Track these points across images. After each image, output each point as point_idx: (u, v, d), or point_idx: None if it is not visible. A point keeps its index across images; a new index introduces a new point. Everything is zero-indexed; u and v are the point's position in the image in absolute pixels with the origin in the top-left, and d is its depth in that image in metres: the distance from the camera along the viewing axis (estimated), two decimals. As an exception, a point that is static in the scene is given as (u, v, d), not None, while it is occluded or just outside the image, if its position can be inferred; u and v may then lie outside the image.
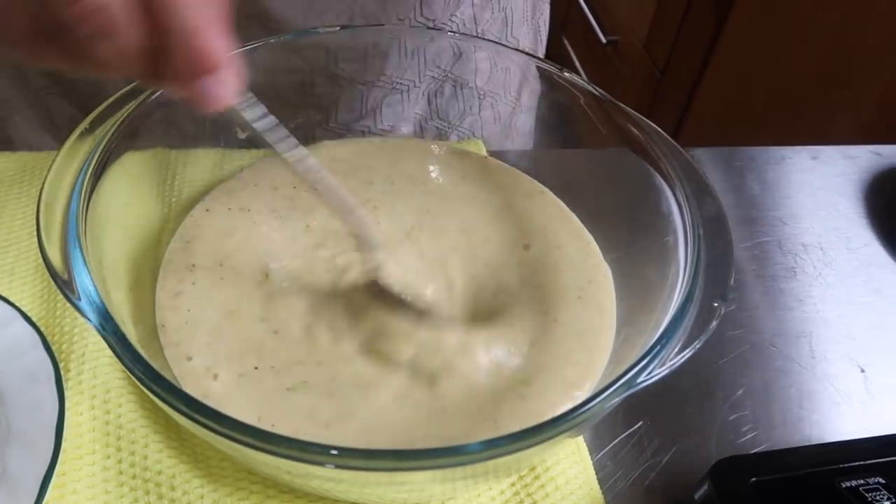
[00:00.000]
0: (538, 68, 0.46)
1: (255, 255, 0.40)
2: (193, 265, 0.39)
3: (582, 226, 0.44)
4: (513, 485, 0.36)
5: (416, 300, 0.38)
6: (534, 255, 0.42)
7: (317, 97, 0.51)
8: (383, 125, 0.54)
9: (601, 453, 0.39)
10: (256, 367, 0.35)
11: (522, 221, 0.44)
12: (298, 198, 0.43)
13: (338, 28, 0.47)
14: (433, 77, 0.52)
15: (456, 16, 0.53)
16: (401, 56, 0.50)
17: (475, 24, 0.55)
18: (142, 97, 0.38)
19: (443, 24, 0.53)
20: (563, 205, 0.45)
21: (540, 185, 0.46)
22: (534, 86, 0.50)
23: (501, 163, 0.48)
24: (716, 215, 0.36)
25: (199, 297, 0.38)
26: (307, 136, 0.51)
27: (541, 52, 0.65)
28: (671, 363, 0.30)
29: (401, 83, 0.52)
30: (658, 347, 0.30)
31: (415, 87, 0.52)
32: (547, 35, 0.65)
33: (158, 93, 0.38)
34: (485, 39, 0.51)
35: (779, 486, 0.33)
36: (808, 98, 1.20)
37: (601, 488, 0.37)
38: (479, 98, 0.55)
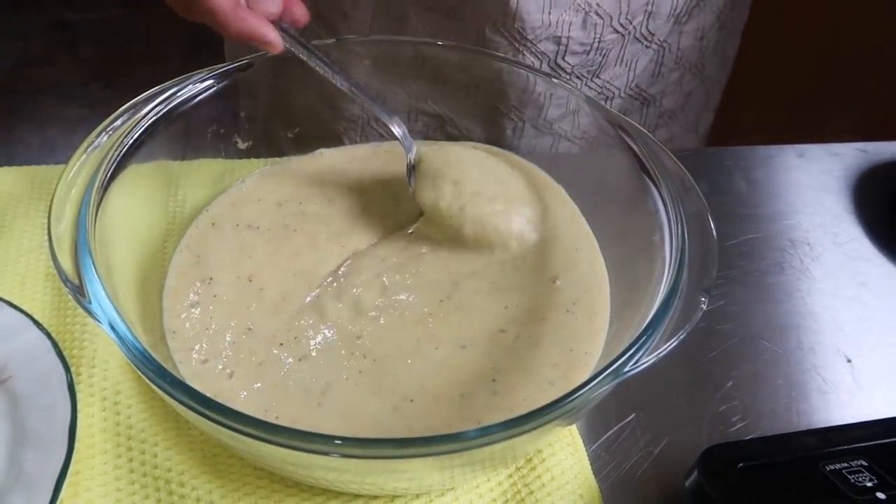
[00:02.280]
0: (529, 73, 0.48)
1: (263, 265, 0.42)
2: (211, 278, 0.41)
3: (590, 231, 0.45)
4: (510, 476, 0.37)
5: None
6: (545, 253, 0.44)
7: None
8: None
9: (595, 444, 0.40)
10: (254, 365, 0.36)
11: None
12: (302, 213, 0.45)
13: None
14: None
15: (668, 40, 0.57)
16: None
17: (679, 49, 0.59)
18: (145, 111, 0.39)
19: (662, 42, 0.56)
20: (575, 207, 0.47)
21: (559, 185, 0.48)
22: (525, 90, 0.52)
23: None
24: (699, 213, 0.38)
25: (211, 306, 0.39)
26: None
27: (724, 81, 0.69)
28: (657, 353, 0.31)
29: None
30: (644, 338, 0.31)
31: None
32: (732, 64, 0.69)
33: (160, 106, 0.40)
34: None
35: (765, 471, 0.34)
36: (798, 98, 1.21)
37: (596, 478, 0.38)
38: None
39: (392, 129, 0.44)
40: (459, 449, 0.28)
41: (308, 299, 0.40)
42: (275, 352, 0.37)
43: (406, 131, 0.44)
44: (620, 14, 0.53)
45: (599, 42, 0.54)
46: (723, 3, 0.60)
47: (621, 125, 0.42)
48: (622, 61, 0.56)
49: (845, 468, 0.34)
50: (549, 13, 0.51)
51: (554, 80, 0.48)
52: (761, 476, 0.34)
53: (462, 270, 0.42)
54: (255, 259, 0.42)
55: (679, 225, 0.36)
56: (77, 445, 0.35)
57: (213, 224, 0.44)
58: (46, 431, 0.35)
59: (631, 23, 0.54)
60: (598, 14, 0.52)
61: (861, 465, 0.34)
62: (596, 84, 0.57)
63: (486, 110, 0.54)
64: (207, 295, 0.40)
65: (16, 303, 0.40)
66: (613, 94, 0.59)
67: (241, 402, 0.35)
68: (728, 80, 0.71)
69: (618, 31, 0.54)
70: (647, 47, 0.56)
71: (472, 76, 0.51)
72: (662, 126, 0.64)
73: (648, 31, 0.55)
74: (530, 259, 0.43)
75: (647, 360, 0.31)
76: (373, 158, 0.50)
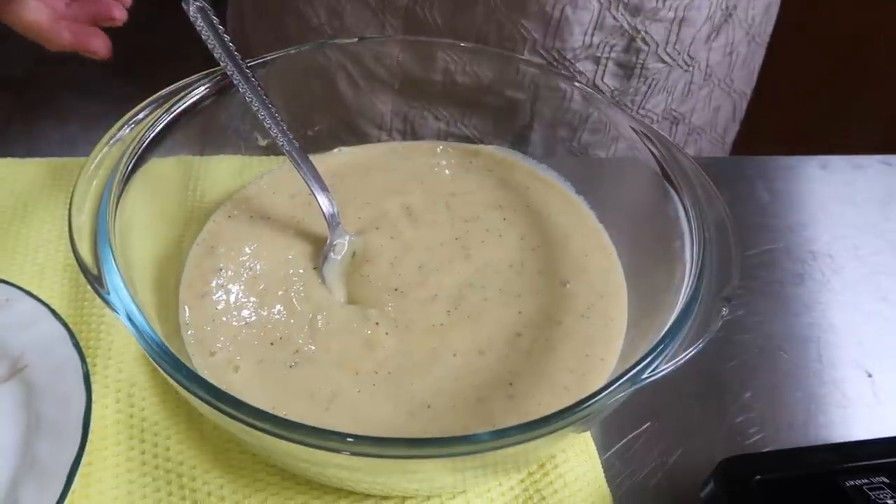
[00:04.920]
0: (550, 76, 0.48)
1: (278, 260, 0.42)
2: (220, 269, 0.41)
3: (608, 237, 0.45)
4: (522, 480, 0.37)
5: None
6: (551, 258, 0.43)
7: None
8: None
9: (609, 452, 0.39)
10: (263, 361, 0.36)
11: (550, 226, 0.45)
12: (310, 205, 0.45)
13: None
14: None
15: (698, 58, 0.56)
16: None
17: (708, 66, 0.58)
18: (167, 106, 0.40)
19: (688, 59, 0.55)
20: (591, 214, 0.46)
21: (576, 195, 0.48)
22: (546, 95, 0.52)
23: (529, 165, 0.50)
24: (721, 220, 0.37)
25: (225, 299, 0.39)
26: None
27: (749, 93, 0.69)
28: (675, 360, 0.31)
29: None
30: (663, 345, 0.31)
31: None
32: (757, 75, 0.68)
33: (182, 101, 0.40)
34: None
35: (783, 485, 0.34)
36: (819, 109, 1.20)
37: (609, 486, 0.37)
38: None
39: (320, 204, 0.42)
40: (473, 451, 0.28)
41: (309, 297, 0.40)
42: (272, 350, 0.37)
43: (337, 211, 0.42)
44: (668, 44, 0.52)
45: (643, 69, 0.53)
46: (752, 17, 0.59)
47: (643, 130, 0.42)
48: (665, 89, 0.56)
49: (866, 484, 0.33)
50: (593, 35, 0.51)
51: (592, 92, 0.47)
52: (779, 490, 0.33)
53: (458, 281, 0.41)
54: (259, 249, 0.42)
55: (701, 232, 0.36)
56: (91, 436, 0.35)
57: (229, 217, 0.44)
58: (61, 421, 0.35)
59: (680, 53, 0.53)
60: (644, 41, 0.51)
61: (882, 482, 0.33)
62: (640, 114, 0.56)
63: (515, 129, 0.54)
64: (217, 286, 0.40)
65: (34, 293, 0.41)
66: (652, 119, 0.58)
67: (245, 397, 0.35)
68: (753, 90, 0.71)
69: (664, 62, 0.53)
70: (685, 71, 0.56)
71: (504, 98, 0.50)
72: (691, 143, 0.64)
73: (689, 55, 0.54)
74: (529, 264, 0.43)
75: (666, 367, 0.30)
76: (391, 156, 0.50)
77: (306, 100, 0.49)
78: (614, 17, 0.51)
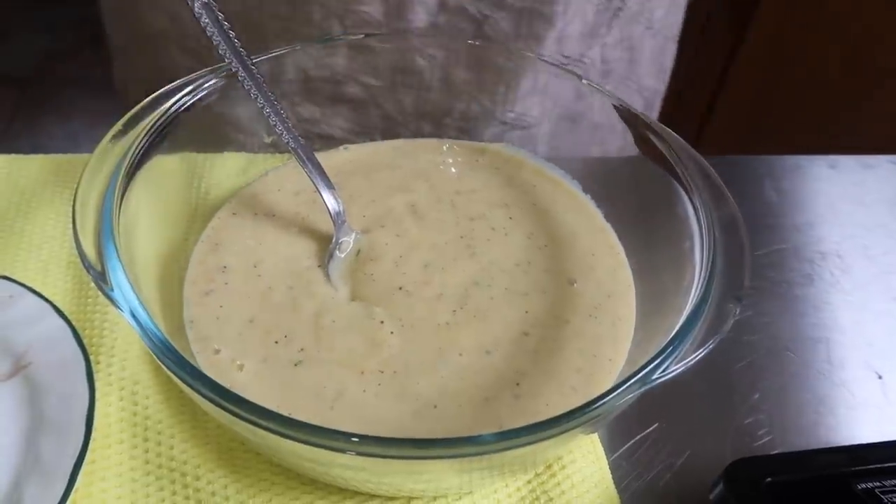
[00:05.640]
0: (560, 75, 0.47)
1: (282, 258, 0.41)
2: (224, 266, 0.40)
3: (615, 237, 0.45)
4: (529, 482, 0.36)
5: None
6: (558, 257, 0.43)
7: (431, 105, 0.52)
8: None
9: (617, 454, 0.39)
10: (268, 360, 0.36)
11: (558, 225, 0.45)
12: (314, 202, 0.44)
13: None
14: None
15: (587, 56, 0.55)
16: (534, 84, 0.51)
17: (601, 62, 0.56)
18: (170, 102, 0.39)
19: (576, 61, 0.54)
20: (598, 213, 0.46)
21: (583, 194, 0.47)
22: (556, 95, 0.51)
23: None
24: (731, 219, 0.37)
25: (229, 296, 0.39)
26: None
27: (663, 90, 0.67)
28: (686, 361, 0.30)
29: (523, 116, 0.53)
30: (673, 346, 0.30)
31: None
32: (670, 71, 0.66)
33: (187, 97, 0.40)
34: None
35: (794, 488, 0.33)
36: (828, 109, 1.20)
37: (617, 488, 0.37)
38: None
39: (326, 202, 0.42)
40: (479, 452, 0.27)
41: (310, 294, 0.40)
42: (277, 348, 0.37)
43: (343, 209, 0.42)
44: (519, 37, 0.51)
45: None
46: (651, 11, 0.58)
47: (651, 128, 0.41)
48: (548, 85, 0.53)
49: (878, 487, 0.33)
50: (438, 16, 0.49)
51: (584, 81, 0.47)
52: (790, 492, 0.33)
53: (464, 280, 0.41)
54: (264, 247, 0.42)
55: (711, 232, 0.35)
56: (94, 434, 0.35)
57: (233, 214, 0.44)
58: (64, 419, 0.35)
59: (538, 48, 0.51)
60: (493, 29, 0.50)
61: (895, 486, 0.33)
62: (515, 113, 0.54)
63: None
64: (220, 283, 0.40)
65: (38, 289, 0.40)
66: (530, 121, 0.55)
67: (250, 396, 0.34)
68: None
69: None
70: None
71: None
72: (597, 141, 0.62)
73: (565, 55, 0.52)
74: (536, 262, 0.42)
75: (676, 368, 0.30)
76: (397, 154, 0.49)
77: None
78: None
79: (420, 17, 0.50)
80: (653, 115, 0.67)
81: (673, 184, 0.40)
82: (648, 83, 0.63)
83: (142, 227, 0.37)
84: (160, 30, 0.53)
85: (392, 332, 0.38)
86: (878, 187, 0.58)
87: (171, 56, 0.54)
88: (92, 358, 0.38)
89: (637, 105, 0.63)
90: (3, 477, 0.33)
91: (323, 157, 0.43)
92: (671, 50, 0.65)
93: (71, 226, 0.32)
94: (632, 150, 0.43)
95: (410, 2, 0.49)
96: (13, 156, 0.50)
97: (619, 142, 0.44)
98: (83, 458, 0.33)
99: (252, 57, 0.40)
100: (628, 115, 0.43)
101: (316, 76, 0.52)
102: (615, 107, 0.43)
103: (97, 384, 0.37)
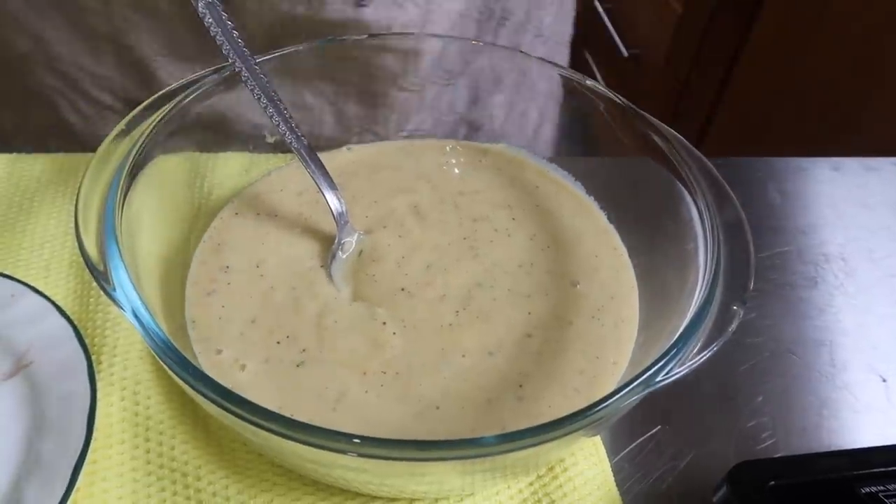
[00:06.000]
0: (561, 76, 0.47)
1: (285, 258, 0.41)
2: (227, 267, 0.40)
3: (619, 239, 0.44)
4: (531, 484, 0.36)
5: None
6: (563, 259, 0.43)
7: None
8: (408, 130, 0.55)
9: (619, 456, 0.39)
10: (270, 361, 0.36)
11: (562, 229, 0.45)
12: (317, 202, 0.44)
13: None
14: (464, 86, 0.53)
15: (475, 63, 0.54)
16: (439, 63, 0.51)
17: (492, 71, 0.55)
18: (174, 102, 0.39)
19: (459, 73, 0.53)
20: (602, 215, 0.46)
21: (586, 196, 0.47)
22: (557, 95, 0.51)
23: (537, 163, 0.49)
24: (735, 221, 0.37)
25: (231, 296, 0.39)
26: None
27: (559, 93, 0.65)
28: (690, 363, 0.30)
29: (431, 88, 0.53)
30: (677, 348, 0.30)
31: (444, 93, 0.53)
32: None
33: (190, 97, 0.40)
34: (513, 50, 0.51)
35: (797, 491, 0.33)
36: (832, 111, 1.19)
37: (619, 490, 0.37)
38: (508, 107, 0.56)
39: (328, 202, 0.42)
40: (481, 454, 0.27)
41: (313, 294, 0.40)
42: (279, 349, 0.36)
43: (345, 210, 0.42)
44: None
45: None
46: (540, 19, 0.58)
47: (655, 129, 0.41)
48: (440, 98, 0.53)
49: (882, 491, 0.32)
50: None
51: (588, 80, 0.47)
52: (793, 496, 0.33)
53: (466, 281, 0.41)
54: (266, 247, 0.42)
55: (715, 234, 0.35)
56: (95, 434, 0.35)
57: (236, 214, 0.44)
58: (65, 419, 0.35)
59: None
60: None
61: (898, 489, 0.32)
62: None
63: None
64: (222, 283, 0.40)
65: (40, 289, 0.40)
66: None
67: (251, 397, 0.34)
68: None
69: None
70: (448, 84, 0.54)
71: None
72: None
73: (446, 69, 0.52)
74: (539, 264, 0.42)
75: (679, 370, 0.30)
76: (400, 154, 0.49)
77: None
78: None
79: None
80: (549, 118, 0.65)
81: (677, 185, 0.39)
82: (543, 88, 0.61)
83: (144, 226, 0.37)
84: (25, 52, 0.53)
85: (394, 333, 0.38)
86: (882, 190, 0.58)
87: (38, 78, 0.54)
88: (93, 357, 0.38)
89: (533, 112, 0.62)
90: (4, 476, 0.33)
91: (326, 158, 0.43)
92: (564, 55, 0.65)
93: (73, 225, 0.32)
94: (630, 148, 0.43)
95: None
96: (15, 155, 0.50)
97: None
98: (84, 458, 0.33)
99: (255, 56, 0.40)
100: (628, 112, 0.43)
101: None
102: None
103: (98, 384, 0.37)
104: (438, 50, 0.51)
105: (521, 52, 0.48)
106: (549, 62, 0.47)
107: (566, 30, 0.64)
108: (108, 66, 0.53)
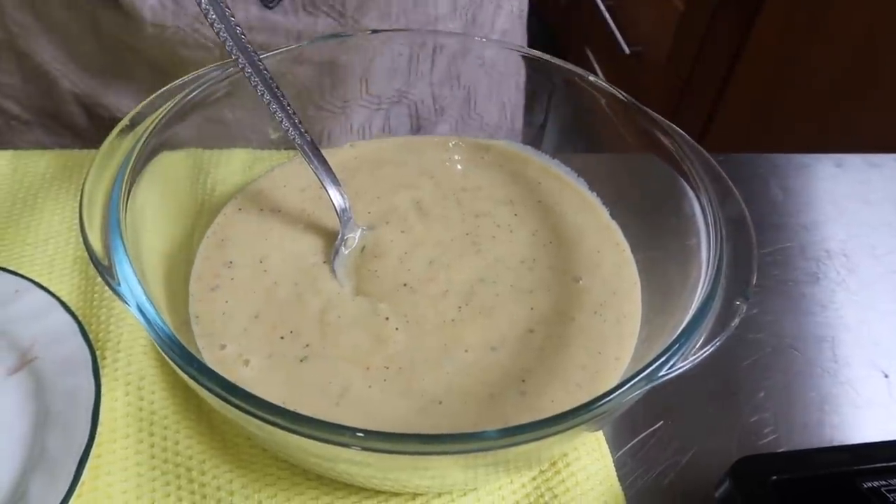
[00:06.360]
0: (563, 77, 0.47)
1: (288, 254, 0.41)
2: (230, 262, 0.40)
3: (621, 234, 0.44)
4: (534, 479, 0.36)
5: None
6: (567, 256, 0.43)
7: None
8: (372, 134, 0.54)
9: (622, 451, 0.39)
10: (273, 356, 0.36)
11: (565, 227, 0.45)
12: (320, 198, 0.44)
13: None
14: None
15: (411, 93, 0.54)
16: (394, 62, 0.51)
17: (433, 101, 0.55)
18: (178, 98, 0.39)
19: (394, 100, 0.52)
20: (604, 210, 0.46)
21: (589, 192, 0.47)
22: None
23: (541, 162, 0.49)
24: (738, 216, 0.37)
25: (235, 291, 0.39)
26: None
27: (513, 127, 0.64)
28: (692, 358, 0.30)
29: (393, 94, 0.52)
30: (679, 343, 0.30)
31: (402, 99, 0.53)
32: (520, 110, 0.63)
33: (194, 94, 0.40)
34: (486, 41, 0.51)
35: (800, 486, 0.33)
36: (833, 107, 1.19)
37: (621, 485, 0.37)
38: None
39: (332, 198, 0.42)
40: (484, 448, 0.27)
41: (315, 292, 0.40)
42: (282, 344, 0.37)
43: (348, 206, 0.42)
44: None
45: None
46: (501, 27, 0.58)
47: (658, 124, 0.41)
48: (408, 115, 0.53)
49: (884, 486, 0.32)
50: None
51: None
52: (795, 490, 0.33)
53: (469, 277, 0.41)
54: (269, 242, 0.42)
55: (717, 229, 0.35)
56: (100, 429, 0.35)
57: (239, 210, 0.44)
58: (70, 414, 0.35)
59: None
60: None
61: (900, 484, 0.33)
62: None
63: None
64: (226, 279, 0.40)
65: (44, 284, 0.41)
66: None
67: (255, 391, 0.34)
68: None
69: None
70: (398, 102, 0.53)
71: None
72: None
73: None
74: (541, 259, 0.42)
75: (682, 365, 0.30)
76: (402, 150, 0.49)
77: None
78: None
79: None
80: (516, 125, 0.65)
81: (679, 181, 0.39)
82: (490, 121, 0.61)
83: (148, 222, 0.37)
84: None
85: (397, 329, 0.38)
86: (884, 186, 0.58)
87: None
88: (98, 352, 0.38)
89: (497, 117, 0.61)
90: (9, 471, 0.34)
91: (329, 154, 0.43)
92: (510, 87, 0.63)
93: (77, 221, 0.32)
94: (633, 144, 0.43)
95: None
96: (20, 151, 0.50)
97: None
98: (89, 453, 0.34)
99: (259, 53, 0.40)
100: (630, 108, 0.43)
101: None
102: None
103: (103, 379, 0.37)
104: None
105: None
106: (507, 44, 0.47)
107: (523, 37, 0.64)
108: (8, 72, 0.53)
